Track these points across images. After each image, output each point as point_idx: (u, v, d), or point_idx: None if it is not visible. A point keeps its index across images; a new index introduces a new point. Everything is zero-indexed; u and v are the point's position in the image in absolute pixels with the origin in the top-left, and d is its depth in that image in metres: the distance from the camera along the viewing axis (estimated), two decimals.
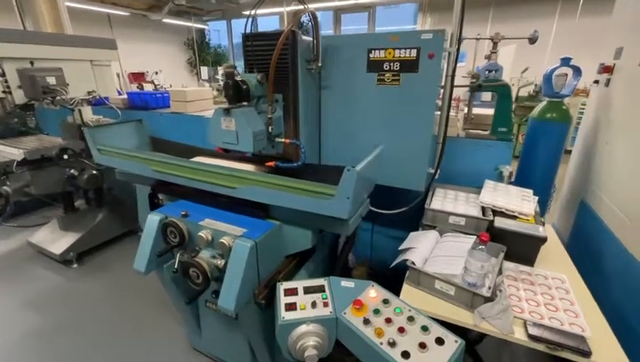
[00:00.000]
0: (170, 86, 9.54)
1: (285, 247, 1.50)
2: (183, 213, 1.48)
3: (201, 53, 10.83)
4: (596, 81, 2.12)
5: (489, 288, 1.21)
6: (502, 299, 1.18)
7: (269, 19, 10.95)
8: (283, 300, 1.24)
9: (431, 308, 1.25)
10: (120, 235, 3.37)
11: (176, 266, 1.46)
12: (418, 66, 1.60)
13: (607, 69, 1.93)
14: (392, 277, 1.82)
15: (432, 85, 1.60)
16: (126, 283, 2.77)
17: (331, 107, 1.88)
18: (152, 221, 1.51)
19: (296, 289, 1.28)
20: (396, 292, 1.30)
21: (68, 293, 2.66)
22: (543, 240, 1.44)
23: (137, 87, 7.51)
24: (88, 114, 3.01)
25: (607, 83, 1.95)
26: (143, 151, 1.85)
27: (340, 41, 1.75)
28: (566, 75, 2.10)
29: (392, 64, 1.65)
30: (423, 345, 1.02)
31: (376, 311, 1.16)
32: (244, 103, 1.54)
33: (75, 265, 2.95)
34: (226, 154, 1.87)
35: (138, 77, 8.74)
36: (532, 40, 3.25)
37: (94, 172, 2.81)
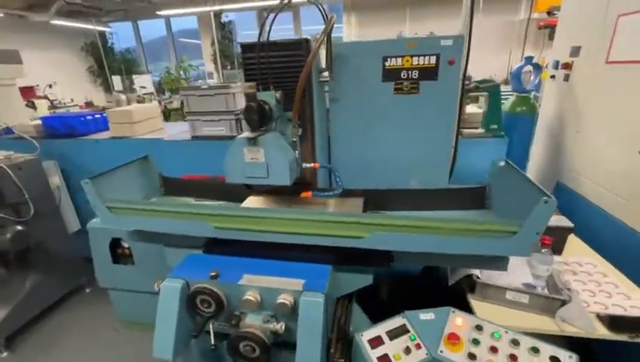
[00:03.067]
0: (72, 100, 8.01)
1: (339, 288, 1.30)
2: (212, 274, 1.15)
3: (106, 60, 9.33)
4: (552, 76, 2.39)
5: (562, 289, 1.24)
6: (575, 298, 1.22)
7: (184, 20, 10.02)
8: (372, 354, 1.07)
9: (510, 321, 1.23)
10: (61, 299, 2.66)
11: (213, 342, 1.17)
12: (437, 73, 1.56)
13: (566, 66, 2.18)
14: (415, 287, 1.79)
15: (452, 92, 1.58)
16: None
17: (342, 121, 1.73)
18: (169, 291, 1.16)
19: (379, 337, 1.12)
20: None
21: None
22: (571, 229, 1.55)
23: (27, 105, 6.08)
24: None
25: (567, 78, 2.21)
26: (188, 204, 1.42)
27: (350, 49, 1.61)
28: (530, 71, 2.32)
29: (410, 72, 1.58)
30: None
31: (475, 342, 1.08)
32: (263, 128, 1.30)
33: (4, 354, 2.22)
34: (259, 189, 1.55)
35: (27, 92, 7.09)
36: None
37: (19, 227, 2.13)
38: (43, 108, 6.33)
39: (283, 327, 1.10)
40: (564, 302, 1.21)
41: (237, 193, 1.55)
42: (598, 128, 1.94)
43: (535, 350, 1.03)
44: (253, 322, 1.12)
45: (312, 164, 1.43)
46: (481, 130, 2.12)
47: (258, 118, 1.22)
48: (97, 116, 2.83)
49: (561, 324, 1.19)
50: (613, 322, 1.18)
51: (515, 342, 1.07)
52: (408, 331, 1.15)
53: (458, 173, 2.14)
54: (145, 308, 1.73)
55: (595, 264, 1.51)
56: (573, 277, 1.42)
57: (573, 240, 1.72)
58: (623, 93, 1.73)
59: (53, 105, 7.15)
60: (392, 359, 1.06)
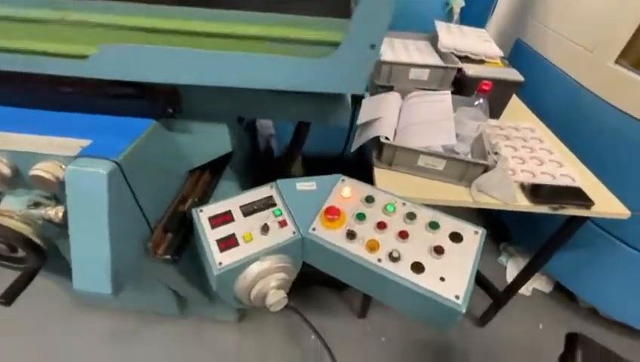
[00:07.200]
0: None
1: (185, 158, 0.89)
2: None
3: None
4: None
5: (488, 153, 0.94)
6: (500, 164, 0.93)
7: None
8: (211, 236, 0.73)
9: (414, 193, 0.95)
10: None
11: None
12: None
13: None
14: (333, 163, 1.45)
15: None
16: None
17: None
18: None
19: (228, 212, 0.77)
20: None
21: None
22: (518, 84, 1.20)
23: None
24: None
25: None
26: None
27: None
28: None
29: None
30: (438, 250, 0.72)
31: (360, 216, 0.78)
32: None
33: None
34: None
35: None
36: None
37: None
38: None
39: (62, 213, 0.66)
40: (486, 169, 0.93)
41: None
42: None
43: (434, 225, 0.76)
44: (12, 206, 0.68)
45: None
46: None
47: None
48: None
49: (476, 194, 0.93)
50: (535, 191, 0.94)
51: (410, 216, 0.78)
52: (274, 204, 0.82)
53: (396, 15, 1.59)
54: None
55: (534, 129, 1.23)
56: (505, 142, 1.14)
57: (516, 106, 1.41)
58: None
59: None
60: (239, 240, 0.73)
